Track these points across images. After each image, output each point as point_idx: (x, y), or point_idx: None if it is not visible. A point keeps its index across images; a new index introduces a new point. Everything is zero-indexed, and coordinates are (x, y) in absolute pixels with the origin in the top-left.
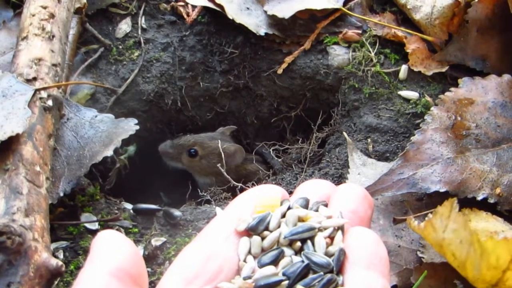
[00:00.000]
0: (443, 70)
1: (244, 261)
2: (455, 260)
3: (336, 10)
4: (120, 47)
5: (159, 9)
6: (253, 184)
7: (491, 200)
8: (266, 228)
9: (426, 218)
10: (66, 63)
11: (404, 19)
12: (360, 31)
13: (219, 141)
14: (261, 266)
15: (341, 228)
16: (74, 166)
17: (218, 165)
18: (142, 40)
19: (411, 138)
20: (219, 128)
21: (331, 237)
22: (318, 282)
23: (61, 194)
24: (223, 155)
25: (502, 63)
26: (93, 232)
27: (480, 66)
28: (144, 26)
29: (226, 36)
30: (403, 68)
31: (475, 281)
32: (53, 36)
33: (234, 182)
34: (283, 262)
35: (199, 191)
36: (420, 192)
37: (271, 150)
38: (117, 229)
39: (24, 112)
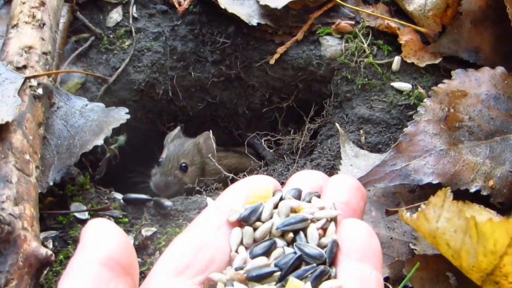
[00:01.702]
0: (436, 61)
1: (236, 251)
2: (449, 249)
3: (329, 0)
4: (111, 36)
5: None
6: (244, 175)
7: (484, 193)
8: (258, 219)
9: (419, 209)
10: (57, 52)
11: (397, 10)
12: (353, 22)
13: (186, 140)
14: (253, 257)
15: (334, 219)
16: (64, 155)
17: (209, 154)
18: (133, 29)
19: (404, 129)
20: (169, 134)
21: (324, 229)
22: (310, 273)
23: (51, 183)
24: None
25: (495, 55)
26: (83, 222)
27: (474, 58)
28: (135, 15)
29: (218, 26)
30: (396, 60)
31: (469, 270)
32: (44, 24)
33: (226, 173)
34: (275, 253)
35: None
36: (413, 184)
37: (262, 140)
38: (107, 219)
39: (14, 100)
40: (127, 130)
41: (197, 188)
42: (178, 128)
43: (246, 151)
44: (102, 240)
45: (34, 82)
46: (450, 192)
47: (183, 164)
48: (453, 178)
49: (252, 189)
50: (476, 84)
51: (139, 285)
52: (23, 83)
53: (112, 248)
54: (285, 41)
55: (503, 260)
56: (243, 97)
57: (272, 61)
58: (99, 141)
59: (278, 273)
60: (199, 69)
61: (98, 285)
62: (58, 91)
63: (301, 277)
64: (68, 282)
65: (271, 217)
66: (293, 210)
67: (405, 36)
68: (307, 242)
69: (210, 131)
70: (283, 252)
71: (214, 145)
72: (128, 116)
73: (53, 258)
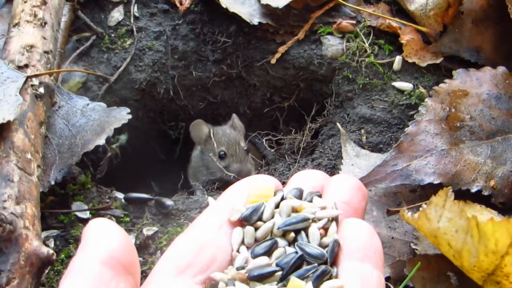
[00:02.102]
0: (438, 61)
1: (237, 251)
2: (450, 249)
3: (330, 0)
4: (112, 35)
5: None
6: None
7: (485, 193)
8: (260, 219)
9: (420, 209)
10: (58, 51)
11: (399, 9)
12: (354, 22)
13: (223, 128)
14: (255, 256)
15: (335, 219)
16: (65, 154)
17: (211, 154)
18: (134, 29)
19: (405, 129)
20: (229, 122)
21: (325, 228)
22: (312, 273)
23: (52, 183)
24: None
25: (496, 55)
26: (84, 221)
27: (475, 58)
28: (136, 14)
29: (219, 25)
30: (397, 59)
31: (470, 270)
32: (45, 23)
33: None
34: (276, 253)
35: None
36: (414, 184)
37: (264, 140)
38: (108, 218)
39: (16, 99)
40: (128, 129)
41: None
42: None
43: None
44: (103, 240)
45: (35, 81)
46: (451, 192)
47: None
48: (454, 178)
49: (254, 189)
50: (477, 84)
51: (141, 284)
52: (25, 82)
53: (113, 247)
54: (286, 40)
55: (504, 260)
56: (244, 96)
57: (273, 61)
58: (101, 141)
59: (280, 273)
60: (200, 68)
61: (99, 285)
62: (60, 90)
63: (302, 277)
64: (70, 281)
65: (272, 217)
66: (295, 210)
67: (407, 36)
68: (309, 241)
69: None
70: (285, 251)
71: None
72: (130, 116)
73: (54, 257)
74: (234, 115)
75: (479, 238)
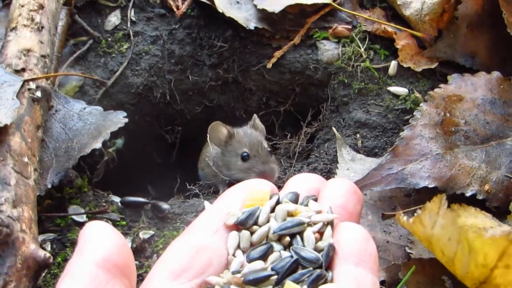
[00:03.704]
0: (433, 66)
1: (233, 255)
2: (443, 256)
3: (326, 5)
4: (109, 39)
5: (149, 2)
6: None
7: (480, 197)
8: (255, 223)
9: (415, 214)
10: (55, 55)
11: (394, 15)
12: (350, 27)
13: (244, 128)
14: (250, 260)
15: (330, 223)
16: (62, 158)
17: (207, 159)
18: (131, 33)
19: (400, 133)
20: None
21: (321, 232)
22: (307, 277)
23: (49, 186)
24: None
25: (491, 60)
26: (81, 224)
27: (470, 63)
28: (133, 18)
29: (216, 30)
30: (393, 64)
31: (463, 277)
32: (42, 27)
33: (223, 176)
34: (272, 257)
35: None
36: (409, 188)
37: None
38: (105, 222)
39: (13, 103)
40: (124, 133)
41: (196, 191)
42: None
43: None
44: (99, 242)
45: (32, 85)
46: (445, 199)
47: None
48: (449, 182)
49: (250, 193)
50: (472, 89)
51: (137, 287)
52: (22, 86)
53: (110, 250)
54: (282, 45)
55: (493, 273)
56: (241, 100)
57: (269, 65)
58: (98, 144)
59: (275, 277)
60: (196, 73)
61: (95, 287)
62: (57, 94)
63: (297, 281)
64: (66, 284)
65: (268, 221)
66: (290, 214)
67: (402, 41)
68: (304, 246)
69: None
70: (280, 256)
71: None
72: (126, 120)
73: (51, 260)
74: (255, 116)
75: (469, 251)
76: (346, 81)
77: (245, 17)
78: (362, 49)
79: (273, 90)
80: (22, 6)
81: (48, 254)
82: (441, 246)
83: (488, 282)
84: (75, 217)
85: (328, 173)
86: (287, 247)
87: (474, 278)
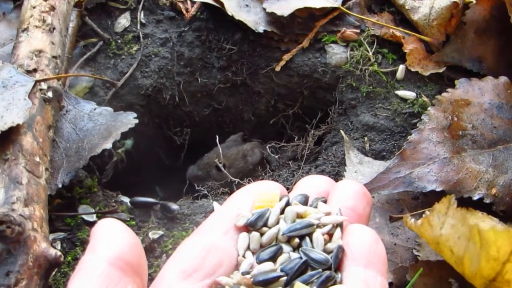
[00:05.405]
0: (440, 70)
1: (243, 256)
2: (452, 256)
3: (334, 9)
4: (119, 41)
5: (158, 4)
6: (249, 181)
7: (487, 200)
8: (265, 224)
9: (423, 216)
10: (65, 56)
11: (402, 19)
12: (358, 31)
13: (238, 145)
14: (260, 262)
15: (339, 225)
16: (72, 158)
17: (220, 164)
18: (141, 35)
19: (408, 137)
20: (230, 137)
21: (330, 234)
22: (316, 278)
23: (60, 186)
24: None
25: (498, 65)
26: (91, 224)
27: (477, 68)
28: (143, 21)
29: (225, 33)
30: (401, 68)
31: (472, 276)
32: (54, 29)
33: (232, 177)
34: (281, 259)
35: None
36: (416, 191)
37: (267, 147)
38: None
39: (25, 103)
40: (133, 134)
41: (205, 192)
42: (240, 134)
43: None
44: (112, 240)
45: (44, 86)
46: (454, 200)
47: (220, 163)
48: (456, 185)
49: (259, 194)
50: (479, 93)
51: (147, 287)
52: (33, 86)
53: (122, 248)
54: (290, 48)
55: (505, 267)
56: (249, 103)
57: (277, 68)
58: (108, 145)
59: (284, 278)
60: (205, 75)
61: (107, 285)
62: (67, 95)
63: (306, 282)
64: (78, 281)
65: (277, 223)
66: (299, 216)
67: (410, 45)
68: (313, 247)
69: (256, 142)
70: (289, 257)
71: (260, 154)
72: (137, 121)
73: (62, 259)
74: (255, 143)
75: (481, 245)
76: (354, 85)
77: (254, 20)
78: (370, 53)
79: (281, 93)
80: (34, 8)
81: (59, 253)
82: (450, 246)
83: (498, 279)
84: (85, 217)
85: (336, 176)
86: (296, 248)
87: (484, 276)
